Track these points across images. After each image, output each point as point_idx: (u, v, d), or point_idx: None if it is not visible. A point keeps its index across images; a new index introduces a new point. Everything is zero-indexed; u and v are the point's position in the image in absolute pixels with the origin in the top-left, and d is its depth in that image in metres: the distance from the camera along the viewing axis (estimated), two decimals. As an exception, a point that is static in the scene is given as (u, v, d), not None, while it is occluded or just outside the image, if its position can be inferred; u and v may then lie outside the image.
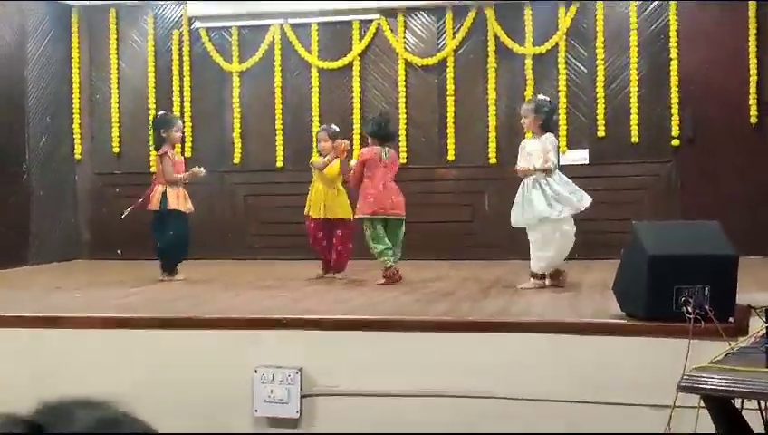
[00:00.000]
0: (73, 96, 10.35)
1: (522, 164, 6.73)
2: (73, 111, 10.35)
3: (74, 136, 10.36)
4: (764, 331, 3.82)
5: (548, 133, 6.83)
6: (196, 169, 7.77)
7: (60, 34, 10.19)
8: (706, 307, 4.61)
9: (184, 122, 8.12)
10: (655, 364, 4.66)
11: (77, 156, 10.38)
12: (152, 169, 10.10)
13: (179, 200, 7.65)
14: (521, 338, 4.99)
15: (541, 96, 7.28)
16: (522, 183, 6.76)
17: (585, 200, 6.66)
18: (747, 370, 3.50)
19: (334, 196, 7.61)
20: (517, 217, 6.74)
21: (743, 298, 4.81)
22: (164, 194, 7.64)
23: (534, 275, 6.65)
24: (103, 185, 10.37)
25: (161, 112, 8.58)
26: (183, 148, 10.03)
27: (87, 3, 10.32)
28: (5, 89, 9.41)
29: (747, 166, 8.92)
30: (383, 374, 5.05)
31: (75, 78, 10.35)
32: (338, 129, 8.01)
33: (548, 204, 6.59)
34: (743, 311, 4.69)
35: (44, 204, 9.89)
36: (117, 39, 10.33)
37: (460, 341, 5.06)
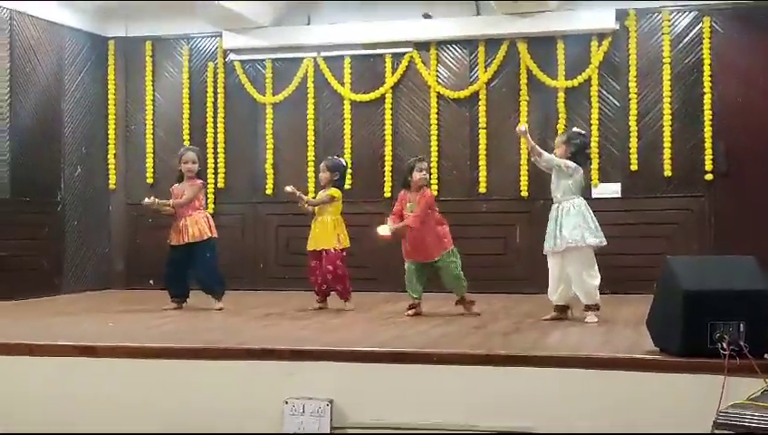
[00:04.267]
0: (109, 127, 10.48)
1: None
2: (108, 141, 10.47)
3: (109, 166, 10.48)
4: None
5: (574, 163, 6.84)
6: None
7: (96, 66, 10.34)
8: (741, 343, 4.56)
9: (203, 153, 8.28)
10: (689, 401, 4.59)
11: (111, 186, 10.49)
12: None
13: (169, 233, 7.96)
14: (553, 372, 4.94)
15: (575, 129, 7.27)
16: (559, 208, 6.77)
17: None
18: (784, 407, 3.46)
19: (324, 228, 7.77)
20: (589, 236, 6.65)
21: (779, 334, 4.75)
22: None
23: (593, 307, 6.65)
24: (137, 215, 10.45)
25: None
26: (216, 179, 10.14)
27: (123, 35, 10.47)
28: (42, 120, 9.54)
29: (782, 200, 8.84)
30: (414, 407, 5.02)
31: (111, 109, 10.49)
32: (339, 161, 8.10)
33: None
34: (778, 347, 4.64)
35: (78, 234, 9.99)
36: (152, 71, 10.46)
37: (492, 374, 5.02)
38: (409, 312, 7.22)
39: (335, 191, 7.84)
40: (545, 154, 6.78)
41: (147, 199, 7.97)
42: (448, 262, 7.22)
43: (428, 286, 7.38)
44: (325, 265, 7.72)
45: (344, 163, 8.17)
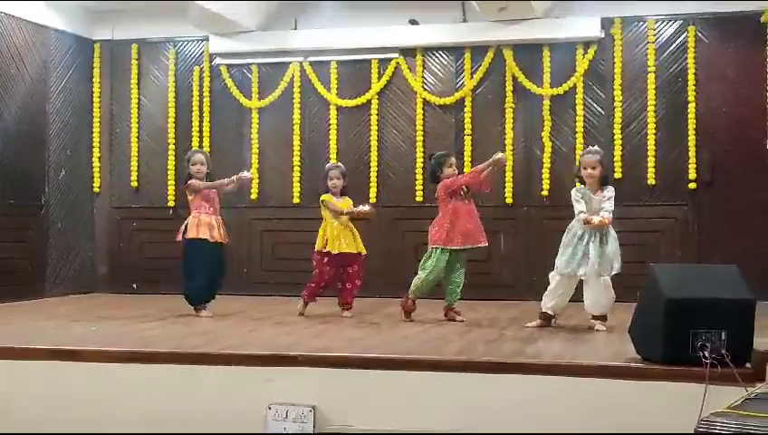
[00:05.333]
0: (94, 130, 10.45)
1: (605, 214, 6.62)
2: (93, 144, 10.44)
3: (93, 169, 10.44)
4: (782, 377, 3.80)
5: (609, 186, 6.79)
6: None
7: (82, 69, 10.31)
8: (723, 352, 4.58)
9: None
10: (671, 409, 4.61)
11: (96, 189, 10.45)
12: (170, 204, 10.22)
13: (197, 228, 7.65)
14: (536, 380, 4.95)
15: (597, 147, 7.14)
16: (586, 233, 6.66)
17: None
18: (766, 416, 3.47)
19: (351, 231, 7.67)
20: (605, 268, 6.63)
21: (760, 343, 4.78)
22: (186, 224, 7.73)
23: (602, 317, 6.66)
24: (121, 219, 10.43)
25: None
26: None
27: (110, 38, 10.44)
28: (27, 122, 9.50)
29: (765, 210, 8.88)
30: (397, 413, 5.02)
31: (96, 112, 10.46)
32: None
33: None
34: (760, 356, 4.67)
35: (62, 236, 9.95)
36: (138, 74, 10.44)
37: (475, 381, 5.03)
38: (405, 318, 7.22)
39: (350, 201, 7.85)
40: (609, 215, 6.62)
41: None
42: (465, 262, 7.32)
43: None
44: (355, 269, 7.67)
45: None
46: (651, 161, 9.21)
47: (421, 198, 9.57)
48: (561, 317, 6.89)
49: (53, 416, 5.34)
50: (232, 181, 7.77)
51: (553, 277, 6.76)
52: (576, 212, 6.71)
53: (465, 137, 9.63)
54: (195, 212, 7.74)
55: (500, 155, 7.24)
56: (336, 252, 7.55)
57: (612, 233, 6.70)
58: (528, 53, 9.54)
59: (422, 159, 9.63)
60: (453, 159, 7.45)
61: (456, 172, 7.42)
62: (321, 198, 7.77)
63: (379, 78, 9.88)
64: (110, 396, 5.34)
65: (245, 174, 7.91)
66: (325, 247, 7.58)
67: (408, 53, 9.84)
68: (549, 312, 6.79)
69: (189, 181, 7.78)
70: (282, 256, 9.91)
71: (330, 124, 9.98)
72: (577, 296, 6.78)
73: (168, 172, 10.25)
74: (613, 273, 6.64)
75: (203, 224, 7.67)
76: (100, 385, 5.38)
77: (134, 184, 10.40)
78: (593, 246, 6.60)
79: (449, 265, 7.24)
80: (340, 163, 8.26)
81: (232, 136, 10.24)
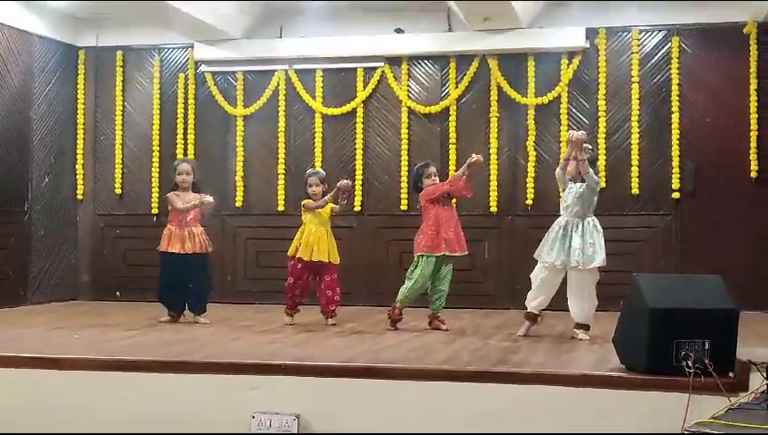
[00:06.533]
0: (78, 137, 10.40)
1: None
2: (77, 151, 10.39)
3: (77, 176, 10.39)
4: (765, 387, 3.81)
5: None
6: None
7: (66, 76, 10.27)
8: (706, 361, 4.60)
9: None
10: (655, 419, 4.63)
11: (79, 196, 10.40)
12: (154, 211, 10.18)
13: (169, 241, 7.75)
14: (520, 389, 4.96)
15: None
16: (575, 224, 6.70)
17: None
18: (749, 426, 3.49)
19: (327, 239, 7.66)
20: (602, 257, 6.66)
21: (743, 353, 4.80)
22: (163, 235, 7.83)
23: (585, 327, 6.66)
24: (104, 226, 10.39)
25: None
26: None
27: (94, 45, 10.41)
28: (11, 128, 9.45)
29: (748, 220, 8.94)
30: (381, 422, 5.02)
31: (80, 119, 10.42)
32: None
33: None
34: (743, 366, 4.69)
35: (45, 244, 9.90)
36: (123, 81, 10.41)
37: (459, 390, 5.04)
38: (391, 327, 7.22)
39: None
40: (591, 173, 6.72)
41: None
42: (451, 269, 7.33)
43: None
44: (332, 277, 7.65)
45: None
46: (635, 171, 9.24)
47: (406, 207, 9.58)
48: (545, 327, 6.89)
49: (35, 424, 5.31)
50: (195, 206, 7.78)
51: (537, 276, 6.76)
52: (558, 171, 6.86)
53: (450, 146, 9.64)
54: (169, 225, 7.86)
55: (475, 157, 7.28)
56: (307, 259, 7.55)
57: (597, 226, 6.72)
58: (513, 62, 9.57)
59: (407, 168, 9.64)
60: (433, 169, 7.50)
61: (437, 181, 7.45)
62: (303, 202, 7.78)
63: (365, 87, 9.89)
64: (92, 404, 5.32)
65: (207, 198, 7.86)
66: (297, 253, 7.59)
67: (394, 61, 9.85)
68: (534, 311, 6.80)
69: (167, 195, 7.91)
70: (266, 264, 9.87)
71: (315, 132, 9.98)
72: (561, 305, 6.79)
73: (153, 180, 10.22)
74: (595, 265, 6.62)
75: (174, 236, 7.77)
76: (83, 393, 5.35)
77: (118, 191, 10.36)
78: (576, 235, 6.65)
79: (435, 272, 7.26)
80: (319, 169, 8.27)
81: (217, 144, 10.22)
